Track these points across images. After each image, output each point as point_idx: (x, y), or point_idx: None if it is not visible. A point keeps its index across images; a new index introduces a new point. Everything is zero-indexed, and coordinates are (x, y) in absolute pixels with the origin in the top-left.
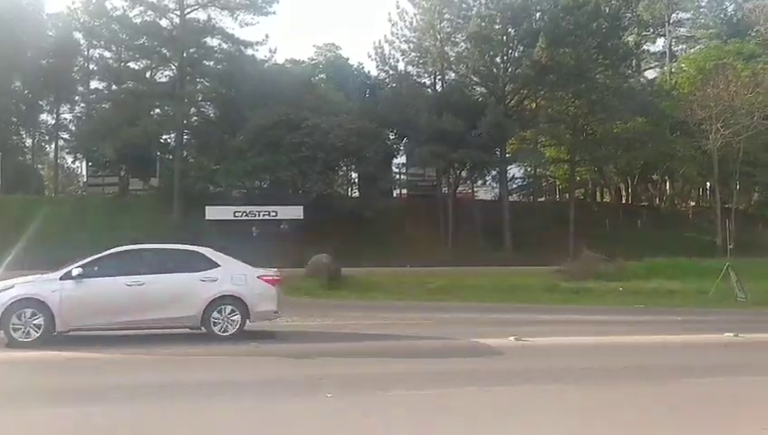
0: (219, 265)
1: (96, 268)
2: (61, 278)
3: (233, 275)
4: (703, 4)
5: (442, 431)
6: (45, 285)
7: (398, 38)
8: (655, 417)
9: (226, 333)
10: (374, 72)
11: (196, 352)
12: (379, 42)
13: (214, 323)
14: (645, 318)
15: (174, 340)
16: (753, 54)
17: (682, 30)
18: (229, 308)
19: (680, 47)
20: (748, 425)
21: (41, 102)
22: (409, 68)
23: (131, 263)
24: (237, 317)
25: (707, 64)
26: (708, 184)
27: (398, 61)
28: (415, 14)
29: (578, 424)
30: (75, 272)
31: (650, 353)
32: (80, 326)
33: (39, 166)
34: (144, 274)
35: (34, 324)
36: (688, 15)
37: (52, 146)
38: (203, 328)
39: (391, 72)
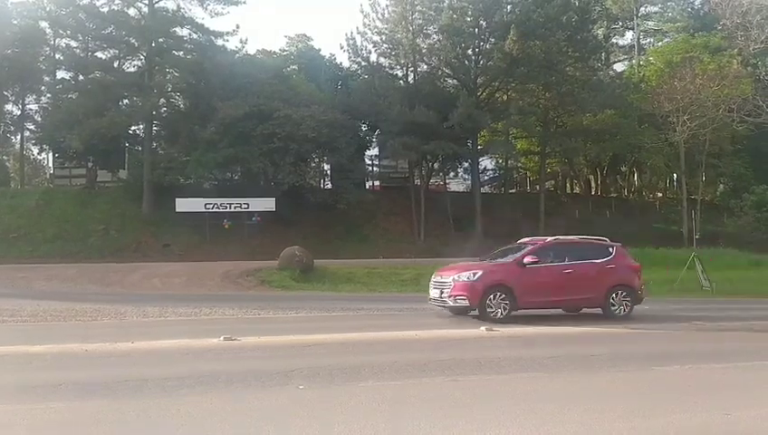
0: None
1: None
2: None
3: None
4: None
5: (411, 420)
6: None
7: (370, 29)
8: (624, 403)
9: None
10: (346, 64)
11: None
12: (351, 33)
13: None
14: None
15: None
16: (719, 48)
17: (650, 23)
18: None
19: (648, 40)
20: (713, 410)
21: (6, 93)
22: (381, 60)
23: None
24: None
25: (674, 57)
26: (675, 175)
27: (370, 52)
28: (387, 6)
29: (551, 411)
30: None
31: (619, 342)
32: None
33: (4, 157)
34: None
35: None
36: (656, 9)
37: (18, 137)
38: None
39: (363, 63)
